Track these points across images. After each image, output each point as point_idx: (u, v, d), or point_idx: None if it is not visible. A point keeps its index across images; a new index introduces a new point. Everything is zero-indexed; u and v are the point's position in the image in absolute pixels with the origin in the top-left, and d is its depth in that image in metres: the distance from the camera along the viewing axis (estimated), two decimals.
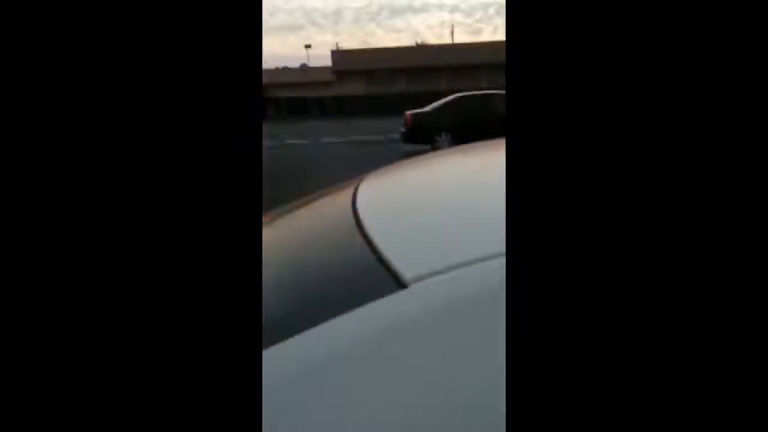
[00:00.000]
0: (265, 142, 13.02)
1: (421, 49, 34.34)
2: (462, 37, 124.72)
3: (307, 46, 50.24)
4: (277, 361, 0.54)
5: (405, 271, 0.61)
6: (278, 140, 13.72)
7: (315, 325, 0.57)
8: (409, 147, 9.78)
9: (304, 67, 36.17)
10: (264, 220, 1.14)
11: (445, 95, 10.93)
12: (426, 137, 9.61)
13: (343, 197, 1.00)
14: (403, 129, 10.12)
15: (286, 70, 35.34)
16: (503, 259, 0.58)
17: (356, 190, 1.01)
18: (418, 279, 0.59)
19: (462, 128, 9.46)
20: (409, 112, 10.07)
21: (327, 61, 33.44)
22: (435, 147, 9.31)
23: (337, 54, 33.02)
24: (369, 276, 0.64)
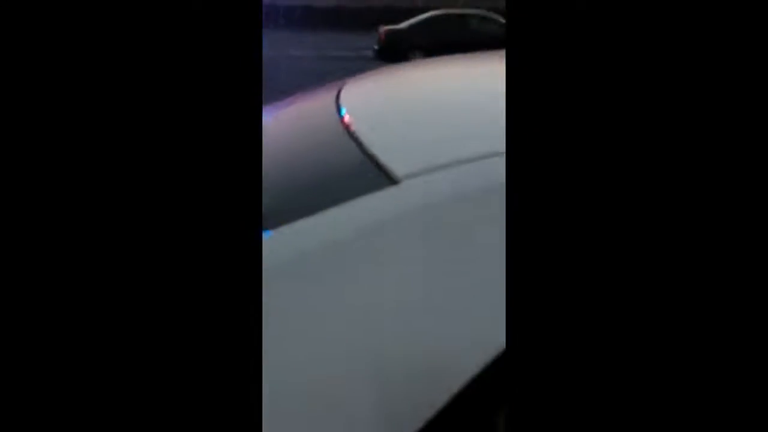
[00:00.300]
0: None
1: None
2: None
3: None
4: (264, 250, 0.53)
5: (396, 167, 0.59)
6: None
7: (300, 218, 0.55)
8: (382, 65, 9.48)
9: None
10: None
11: (422, 12, 10.52)
12: (400, 55, 9.33)
13: (324, 99, 0.96)
14: (376, 46, 9.79)
15: None
16: (496, 159, 0.57)
17: (338, 92, 0.96)
18: (410, 176, 0.57)
19: (437, 47, 9.20)
20: (383, 28, 9.70)
21: None
22: None
23: None
24: (358, 173, 0.61)
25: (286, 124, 0.95)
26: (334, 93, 0.96)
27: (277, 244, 0.53)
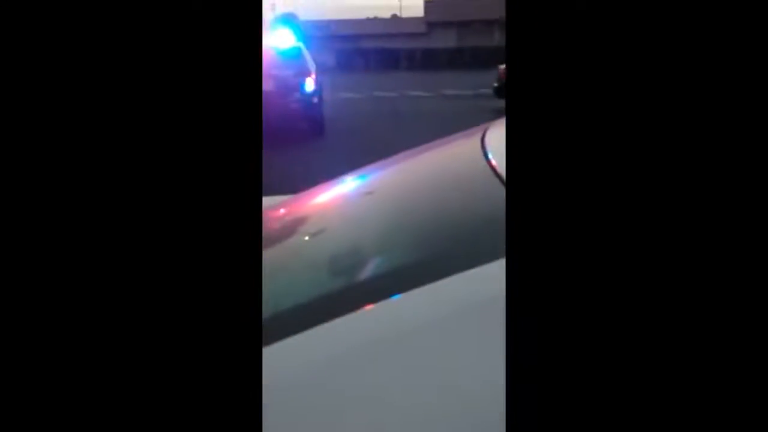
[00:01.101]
0: (352, 94, 13.03)
1: None
2: None
3: None
4: (420, 304, 0.52)
5: None
6: (366, 92, 13.63)
7: (465, 269, 0.53)
8: (501, 103, 9.35)
9: (395, 18, 35.58)
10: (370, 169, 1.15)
11: None
12: None
13: (467, 146, 0.94)
14: (496, 84, 9.71)
15: (376, 20, 34.86)
16: None
17: (483, 137, 0.93)
18: None
19: None
20: (503, 66, 9.60)
21: (419, 12, 32.74)
22: None
23: (430, 4, 32.14)
24: None
25: (428, 171, 0.92)
26: (478, 138, 0.93)
27: (440, 294, 0.51)
